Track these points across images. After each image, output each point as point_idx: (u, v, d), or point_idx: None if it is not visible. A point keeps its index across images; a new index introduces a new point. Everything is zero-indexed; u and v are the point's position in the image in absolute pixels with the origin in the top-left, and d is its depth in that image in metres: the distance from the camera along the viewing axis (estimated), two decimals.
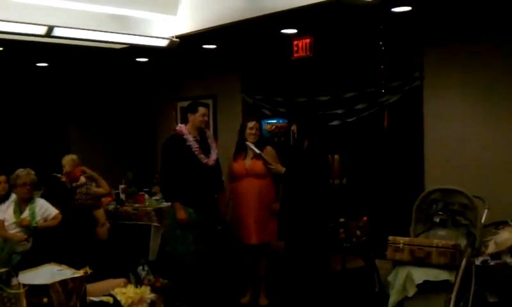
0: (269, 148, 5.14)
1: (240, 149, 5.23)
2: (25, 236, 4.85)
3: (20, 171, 5.10)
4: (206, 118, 5.11)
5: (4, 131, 7.89)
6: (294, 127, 4.72)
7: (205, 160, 4.97)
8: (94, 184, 6.11)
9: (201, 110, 5.04)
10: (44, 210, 5.11)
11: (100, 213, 3.42)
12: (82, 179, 5.98)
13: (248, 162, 5.15)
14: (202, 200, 4.95)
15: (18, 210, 5.03)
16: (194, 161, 4.92)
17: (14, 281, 2.40)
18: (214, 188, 5.15)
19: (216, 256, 5.34)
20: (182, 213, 4.85)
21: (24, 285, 2.35)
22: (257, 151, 4.72)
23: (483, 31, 5.33)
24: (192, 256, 4.88)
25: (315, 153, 4.50)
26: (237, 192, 5.23)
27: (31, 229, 4.91)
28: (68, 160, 6.03)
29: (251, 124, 5.15)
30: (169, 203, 5.23)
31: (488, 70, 5.40)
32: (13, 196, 5.09)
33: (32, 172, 5.14)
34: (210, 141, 5.18)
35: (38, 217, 5.01)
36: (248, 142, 5.02)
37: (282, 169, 4.58)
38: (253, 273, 5.36)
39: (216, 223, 5.27)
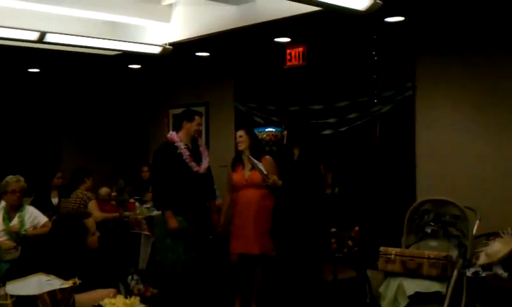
0: (267, 158, 5.12)
1: (237, 160, 5.21)
2: (14, 244, 4.80)
3: (10, 178, 5.03)
4: (200, 127, 5.12)
5: None
6: (285, 132, 4.73)
7: (195, 168, 4.95)
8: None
9: (198, 119, 5.05)
10: (34, 217, 5.05)
11: (90, 222, 3.39)
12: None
13: (248, 173, 5.11)
14: (193, 209, 4.92)
15: (7, 217, 4.96)
16: (185, 169, 4.90)
17: (1, 292, 2.37)
18: (205, 197, 5.13)
19: (206, 266, 5.30)
20: (173, 222, 4.82)
21: (12, 296, 2.31)
22: (255, 162, 4.70)
23: (475, 42, 5.35)
24: (182, 266, 4.84)
25: (307, 163, 4.49)
26: (238, 202, 5.17)
27: (19, 237, 4.86)
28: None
29: (237, 133, 5.19)
30: (160, 211, 5.19)
31: (480, 81, 5.42)
32: (2, 203, 5.04)
33: (22, 179, 5.08)
34: (202, 149, 5.17)
35: (27, 225, 4.95)
36: (247, 155, 5.00)
37: (279, 182, 4.56)
38: (244, 282, 5.32)
39: (207, 232, 5.24)
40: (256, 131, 7.02)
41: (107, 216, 5.97)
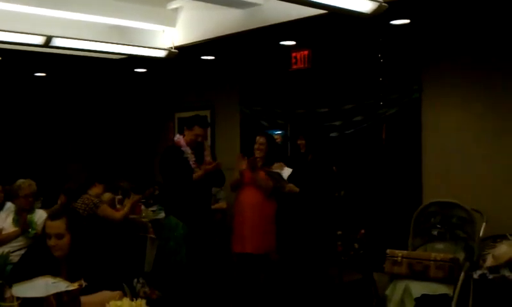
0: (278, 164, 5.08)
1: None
2: (20, 231, 4.84)
3: (22, 182, 5.04)
4: (199, 138, 5.06)
5: (0, 140, 7.88)
6: (301, 141, 4.70)
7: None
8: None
9: (196, 129, 5.02)
10: (43, 220, 5.06)
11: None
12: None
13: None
14: (196, 213, 4.92)
15: (17, 219, 4.99)
16: (190, 174, 4.91)
17: (7, 294, 2.38)
18: (208, 202, 5.13)
19: (210, 268, 5.30)
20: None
21: (18, 298, 2.32)
22: (273, 173, 4.69)
23: (482, 43, 5.33)
24: (186, 268, 4.84)
25: (319, 164, 4.52)
26: (239, 199, 5.13)
27: (29, 237, 4.88)
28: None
29: (258, 139, 5.09)
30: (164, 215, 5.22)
31: (487, 82, 5.39)
32: (9, 205, 5.07)
33: (33, 183, 5.10)
34: (206, 153, 5.15)
35: (37, 228, 4.97)
36: (265, 168, 4.96)
37: (296, 189, 4.58)
38: (244, 283, 5.26)
39: (212, 235, 5.24)
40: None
41: (127, 214, 5.61)
